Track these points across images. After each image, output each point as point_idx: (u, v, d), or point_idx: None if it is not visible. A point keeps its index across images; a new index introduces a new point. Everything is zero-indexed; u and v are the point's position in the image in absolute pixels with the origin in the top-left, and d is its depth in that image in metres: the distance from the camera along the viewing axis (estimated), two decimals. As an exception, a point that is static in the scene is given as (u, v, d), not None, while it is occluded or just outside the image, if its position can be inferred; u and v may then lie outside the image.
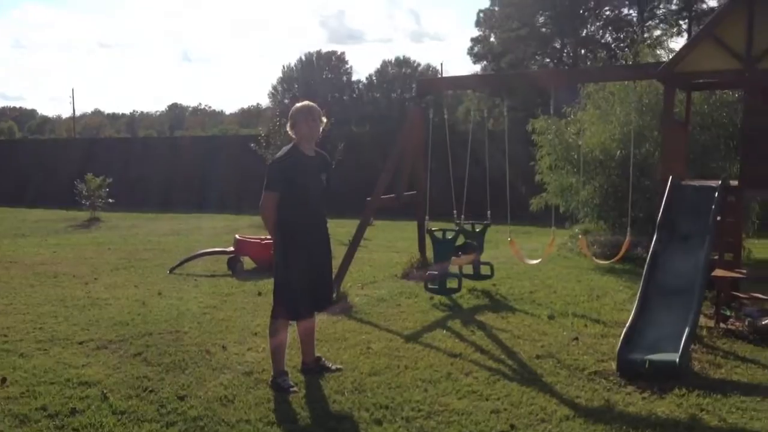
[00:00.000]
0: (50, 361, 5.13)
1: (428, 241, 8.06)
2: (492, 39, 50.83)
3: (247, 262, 9.22)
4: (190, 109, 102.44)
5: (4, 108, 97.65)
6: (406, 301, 7.12)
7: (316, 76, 75.59)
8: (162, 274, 8.87)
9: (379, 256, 10.16)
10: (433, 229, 7.39)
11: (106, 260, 9.94)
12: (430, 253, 8.26)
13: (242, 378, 4.76)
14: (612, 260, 7.40)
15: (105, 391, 4.46)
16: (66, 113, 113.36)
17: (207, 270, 9.10)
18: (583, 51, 47.79)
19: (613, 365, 4.84)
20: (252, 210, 16.38)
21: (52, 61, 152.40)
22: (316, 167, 4.88)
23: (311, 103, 4.90)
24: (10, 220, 16.29)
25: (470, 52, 52.27)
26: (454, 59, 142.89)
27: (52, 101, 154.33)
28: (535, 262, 7.74)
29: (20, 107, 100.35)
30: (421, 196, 8.44)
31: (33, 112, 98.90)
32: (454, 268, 7.49)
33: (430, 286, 7.09)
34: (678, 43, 37.76)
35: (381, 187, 7.83)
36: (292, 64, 78.04)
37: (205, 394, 4.46)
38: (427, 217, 7.95)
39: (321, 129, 4.96)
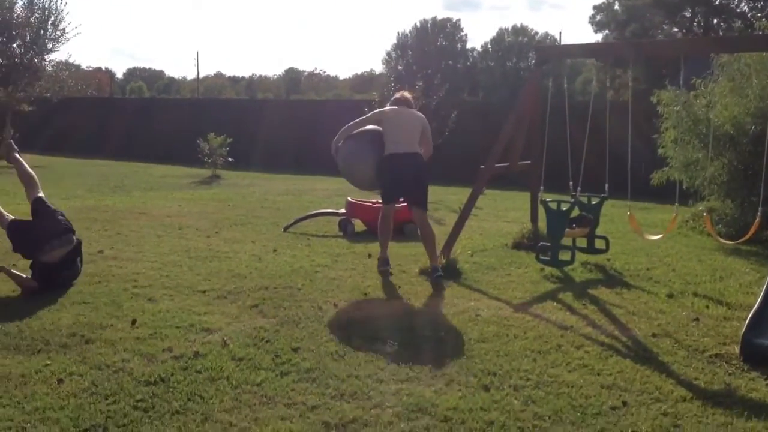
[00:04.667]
0: (175, 306, 5.45)
1: (541, 211, 7.92)
2: (616, 6, 48.63)
3: (358, 225, 9.38)
4: (305, 73, 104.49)
5: (134, 69, 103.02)
6: (516, 271, 7.04)
7: (431, 43, 74.99)
8: (276, 231, 9.17)
9: (489, 225, 10.07)
10: (547, 199, 7.23)
11: (226, 216, 10.39)
12: (542, 224, 8.12)
13: (352, 335, 4.88)
14: (739, 241, 7.00)
15: (225, 338, 4.70)
16: (190, 75, 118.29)
17: (319, 230, 9.33)
18: (715, 20, 44.91)
19: (736, 349, 4.61)
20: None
21: (180, 25, 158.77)
22: None
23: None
24: (140, 175, 17.28)
25: (592, 20, 50.31)
26: (574, 28, 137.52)
27: (178, 63, 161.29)
28: (655, 237, 7.42)
29: (149, 68, 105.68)
30: (536, 166, 8.27)
31: (161, 73, 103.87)
32: (567, 241, 7.32)
33: (541, 257, 6.97)
34: (824, 11, 34.77)
35: (495, 155, 7.73)
36: (407, 31, 77.73)
37: (317, 348, 4.61)
38: (541, 188, 7.79)
39: None
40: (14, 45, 21.95)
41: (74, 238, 6.14)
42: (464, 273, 6.79)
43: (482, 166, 7.76)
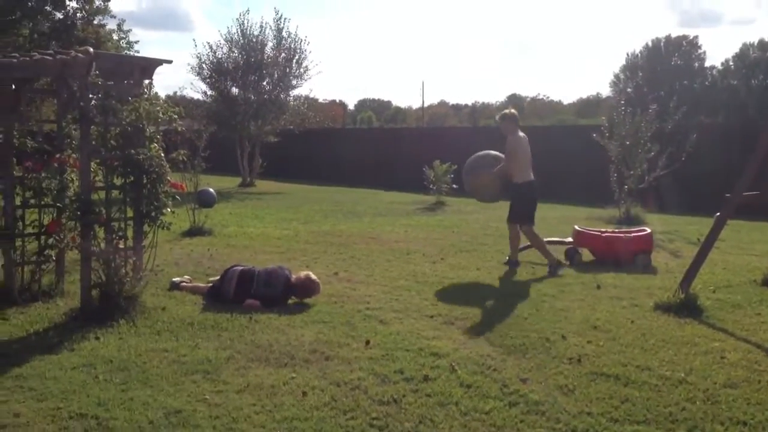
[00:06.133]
0: (405, 329, 5.64)
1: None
2: None
3: (585, 254, 9.07)
4: (528, 99, 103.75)
5: (365, 100, 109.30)
6: (768, 311, 6.37)
7: (664, 62, 70.81)
8: (500, 259, 9.15)
9: (733, 259, 9.22)
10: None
11: (451, 242, 10.57)
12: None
13: (582, 370, 4.72)
14: None
15: (453, 364, 4.78)
16: (416, 104, 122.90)
17: (543, 259, 9.14)
18: None
19: None
20: (592, 201, 16.06)
21: (407, 57, 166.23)
22: None
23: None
24: (369, 201, 18.18)
25: None
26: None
27: (405, 93, 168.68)
28: None
29: (378, 99, 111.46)
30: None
31: (388, 103, 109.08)
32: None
33: (798, 297, 6.24)
34: None
35: (744, 182, 7.05)
36: (637, 51, 74.17)
37: (545, 380, 4.52)
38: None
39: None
40: (264, 83, 24.34)
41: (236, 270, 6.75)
42: (706, 310, 6.28)
43: (728, 195, 7.13)
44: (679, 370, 4.71)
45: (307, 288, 6.60)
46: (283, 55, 24.23)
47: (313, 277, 6.69)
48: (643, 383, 4.47)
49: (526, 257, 9.18)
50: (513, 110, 8.81)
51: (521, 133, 8.54)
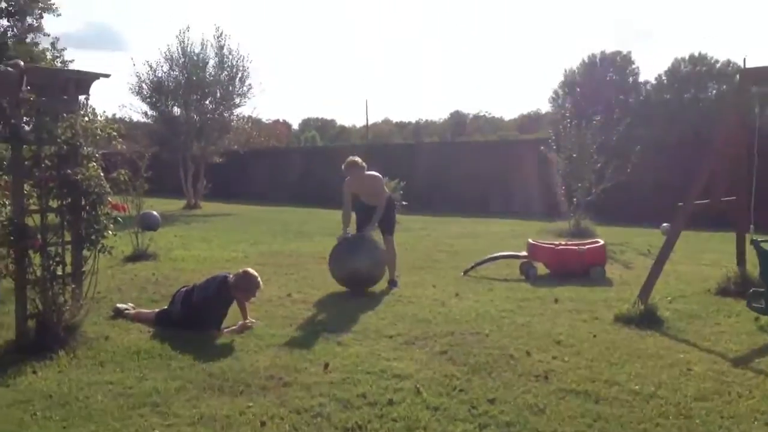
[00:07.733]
0: (365, 351, 5.41)
1: (751, 253, 7.17)
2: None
3: (541, 268, 9.01)
4: (470, 116, 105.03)
5: (308, 119, 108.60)
6: (726, 320, 6.36)
7: (600, 78, 72.63)
8: (456, 275, 9.02)
9: (684, 269, 9.28)
10: (759, 239, 6.50)
11: (404, 260, 10.32)
12: (751, 267, 7.35)
13: (550, 387, 4.57)
14: None
15: (417, 386, 4.57)
16: (359, 122, 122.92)
17: (499, 274, 9.06)
18: None
19: None
20: (539, 216, 16.16)
21: (349, 75, 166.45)
22: None
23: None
24: (317, 220, 17.86)
25: (782, 43, 46.31)
26: (760, 52, 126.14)
27: (349, 112, 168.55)
28: None
29: (322, 118, 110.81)
30: (743, 202, 7.52)
31: (332, 121, 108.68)
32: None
33: (754, 305, 6.25)
34: None
35: (695, 192, 7.10)
36: (574, 68, 75.90)
37: (514, 400, 4.35)
38: (751, 227, 7.05)
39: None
40: (206, 102, 23.83)
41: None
42: (666, 321, 6.25)
43: (680, 204, 7.16)
44: (648, 383, 4.61)
45: (246, 281, 6.23)
46: (225, 72, 23.79)
47: (252, 271, 6.37)
48: (613, 399, 4.35)
49: (482, 272, 9.08)
50: (354, 158, 8.62)
51: (373, 172, 8.67)
